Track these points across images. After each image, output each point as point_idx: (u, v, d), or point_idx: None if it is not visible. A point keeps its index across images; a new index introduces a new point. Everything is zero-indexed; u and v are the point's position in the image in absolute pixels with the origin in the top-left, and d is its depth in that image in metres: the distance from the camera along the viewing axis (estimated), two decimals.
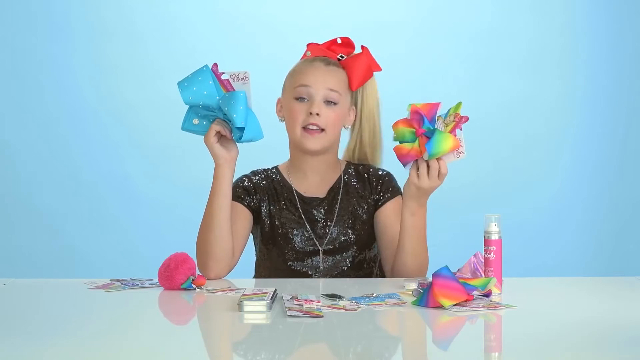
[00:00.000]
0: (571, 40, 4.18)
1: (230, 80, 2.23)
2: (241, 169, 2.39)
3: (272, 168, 2.47)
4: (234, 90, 2.22)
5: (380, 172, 2.44)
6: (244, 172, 2.44)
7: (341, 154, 2.49)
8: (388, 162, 2.45)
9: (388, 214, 2.39)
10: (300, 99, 2.35)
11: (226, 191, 2.26)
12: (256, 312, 1.86)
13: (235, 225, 2.32)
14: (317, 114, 2.33)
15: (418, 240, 2.26)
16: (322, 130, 2.34)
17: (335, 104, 2.36)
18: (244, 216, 2.38)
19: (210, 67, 2.23)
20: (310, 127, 2.34)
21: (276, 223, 2.39)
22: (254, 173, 2.45)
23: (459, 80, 4.16)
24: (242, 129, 2.19)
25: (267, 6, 4.14)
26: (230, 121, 2.19)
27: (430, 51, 4.16)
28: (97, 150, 4.13)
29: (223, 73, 2.24)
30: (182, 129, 2.28)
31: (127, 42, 4.12)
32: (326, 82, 2.35)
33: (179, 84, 2.24)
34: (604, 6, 4.17)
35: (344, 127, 2.42)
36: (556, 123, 4.20)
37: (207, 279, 2.22)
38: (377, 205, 2.41)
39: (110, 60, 4.12)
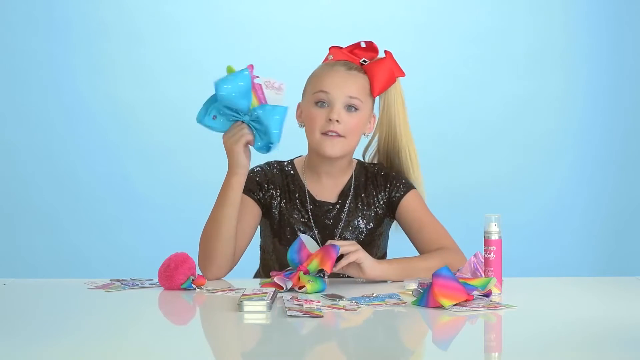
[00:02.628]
0: (572, 41, 4.18)
1: (263, 86, 2.17)
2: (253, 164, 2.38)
3: (288, 162, 2.43)
4: (263, 95, 2.17)
5: (387, 173, 2.42)
6: (258, 163, 2.41)
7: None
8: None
9: (408, 210, 2.36)
10: (320, 103, 2.31)
11: (237, 202, 2.23)
12: (256, 312, 1.86)
13: (242, 222, 2.29)
14: (337, 121, 2.29)
15: (423, 272, 2.22)
16: (342, 136, 2.30)
17: (356, 109, 2.31)
18: (252, 212, 2.34)
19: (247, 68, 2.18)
20: (330, 133, 2.29)
21: (285, 221, 2.38)
22: (269, 164, 2.41)
23: (460, 80, 4.16)
24: (267, 143, 2.15)
25: (266, 6, 4.14)
26: (258, 130, 2.16)
27: (431, 52, 4.16)
28: (96, 150, 4.13)
29: (257, 77, 2.19)
30: (198, 121, 2.19)
31: (127, 42, 4.12)
32: (346, 88, 2.31)
33: (218, 82, 2.14)
34: (604, 6, 4.17)
35: (364, 134, 2.38)
36: (557, 123, 4.20)
37: (207, 279, 2.22)
38: (392, 204, 2.39)
39: (110, 60, 4.12)
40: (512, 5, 4.17)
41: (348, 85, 2.31)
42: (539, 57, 4.17)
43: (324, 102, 2.31)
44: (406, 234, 2.40)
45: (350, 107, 2.31)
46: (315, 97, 2.32)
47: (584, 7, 4.18)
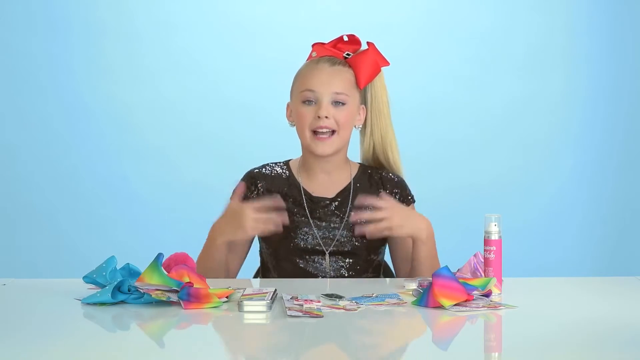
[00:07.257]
0: (572, 41, 4.18)
1: None
2: (251, 166, 2.42)
3: (283, 163, 2.44)
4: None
5: (392, 178, 2.42)
6: (255, 165, 2.44)
7: (356, 157, 2.47)
8: (405, 163, 2.46)
9: None
10: (307, 101, 2.33)
11: (223, 249, 2.28)
12: (256, 312, 1.86)
13: (235, 248, 2.34)
14: (326, 117, 2.31)
15: (431, 269, 2.23)
16: (333, 132, 2.32)
17: (343, 104, 2.33)
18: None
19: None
20: (320, 130, 2.31)
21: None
22: (264, 167, 2.43)
23: (460, 81, 4.16)
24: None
25: (265, 7, 4.14)
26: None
27: (431, 52, 4.16)
28: (96, 150, 4.13)
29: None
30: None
31: (126, 43, 4.12)
32: (332, 85, 2.33)
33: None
34: (604, 6, 4.17)
35: (355, 127, 2.39)
36: (557, 124, 4.20)
37: None
38: None
39: (109, 60, 4.12)
40: (512, 5, 4.17)
41: (334, 82, 2.33)
42: (539, 57, 4.17)
43: (311, 101, 2.33)
44: (391, 252, 2.43)
45: (337, 103, 2.33)
46: (302, 95, 2.34)
47: (584, 7, 4.18)
